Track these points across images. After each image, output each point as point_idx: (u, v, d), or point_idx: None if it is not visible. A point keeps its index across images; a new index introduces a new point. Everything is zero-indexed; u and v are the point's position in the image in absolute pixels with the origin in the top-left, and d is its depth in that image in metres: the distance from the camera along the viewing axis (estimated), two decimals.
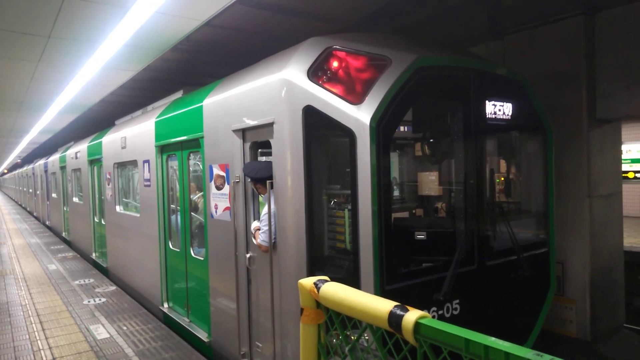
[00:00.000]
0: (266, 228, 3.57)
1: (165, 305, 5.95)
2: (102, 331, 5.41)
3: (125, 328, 5.48)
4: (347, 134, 3.13)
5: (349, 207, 3.25)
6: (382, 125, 3.09)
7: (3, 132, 14.20)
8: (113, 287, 7.52)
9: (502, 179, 4.83)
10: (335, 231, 3.51)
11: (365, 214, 3.06)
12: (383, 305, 1.43)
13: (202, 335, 4.89)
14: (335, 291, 1.66)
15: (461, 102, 3.80)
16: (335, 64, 3.36)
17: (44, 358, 4.64)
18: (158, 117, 5.97)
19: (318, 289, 1.71)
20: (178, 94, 6.10)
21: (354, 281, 3.11)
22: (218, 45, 6.86)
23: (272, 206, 3.54)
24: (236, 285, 4.10)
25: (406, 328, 1.33)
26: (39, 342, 5.12)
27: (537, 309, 4.39)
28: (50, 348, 4.91)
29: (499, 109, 3.96)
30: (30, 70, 6.04)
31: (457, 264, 3.51)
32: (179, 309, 5.65)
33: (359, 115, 3.08)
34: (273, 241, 3.56)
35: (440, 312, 3.46)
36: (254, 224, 3.86)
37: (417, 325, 1.32)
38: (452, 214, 4.35)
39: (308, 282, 1.77)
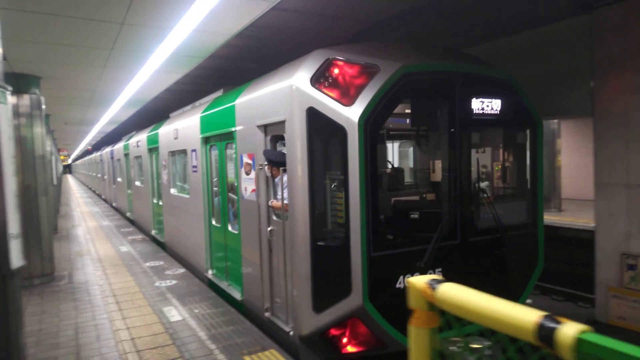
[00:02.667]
0: (285, 195, 4.54)
1: (210, 272, 7.12)
2: (174, 313, 5.54)
3: (196, 311, 5.58)
4: (340, 130, 3.87)
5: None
6: (369, 123, 3.78)
7: (75, 120, 15.00)
8: (182, 270, 7.73)
9: (499, 166, 5.50)
10: (335, 208, 4.15)
11: (355, 194, 3.80)
12: (527, 315, 1.22)
13: (237, 295, 5.92)
14: (458, 294, 1.46)
15: (447, 102, 4.35)
16: (333, 72, 4.08)
17: (123, 338, 4.80)
18: (202, 112, 6.97)
19: (433, 289, 1.52)
20: (219, 93, 7.03)
21: (346, 249, 3.88)
22: (282, 30, 6.76)
23: (285, 183, 4.51)
24: (260, 254, 5.10)
25: (563, 344, 1.11)
26: (117, 321, 5.32)
27: (523, 282, 4.92)
28: (128, 328, 5.08)
29: (486, 106, 4.49)
30: (103, 59, 6.20)
31: (438, 238, 4.14)
32: (220, 275, 6.76)
33: (349, 115, 3.81)
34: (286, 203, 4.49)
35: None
36: (271, 201, 4.98)
37: (579, 341, 1.10)
38: (439, 196, 5.02)
39: (419, 281, 1.58)
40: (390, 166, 6.50)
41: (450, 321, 1.53)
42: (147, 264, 8.28)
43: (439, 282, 1.55)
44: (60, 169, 29.72)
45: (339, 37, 7.09)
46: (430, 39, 7.05)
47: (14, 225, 2.10)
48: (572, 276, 9.78)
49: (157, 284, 6.93)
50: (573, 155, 15.52)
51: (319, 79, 4.10)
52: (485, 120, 4.58)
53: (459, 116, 4.37)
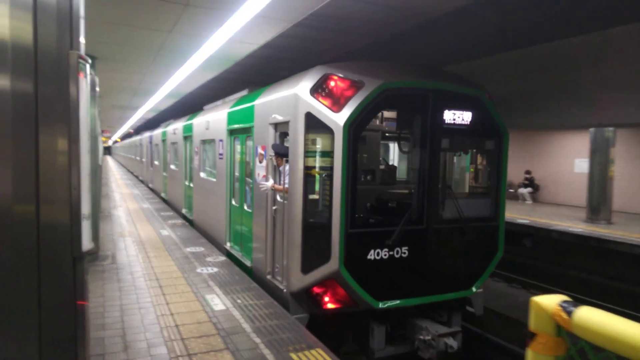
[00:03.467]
0: (286, 180, 5.55)
1: (228, 244, 8.33)
2: (217, 302, 5.47)
3: (239, 301, 5.50)
4: (329, 131, 4.88)
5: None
6: (352, 127, 4.77)
7: (122, 104, 15.35)
8: (223, 258, 7.70)
9: (473, 169, 6.57)
10: (324, 193, 5.17)
11: (337, 182, 4.82)
12: None
13: (247, 262, 7.08)
14: (604, 320, 1.23)
15: (420, 112, 5.28)
16: (329, 84, 5.00)
17: (168, 324, 4.76)
18: (230, 108, 8.06)
19: (568, 313, 1.30)
20: (244, 92, 8.03)
21: (328, 225, 4.91)
22: (340, 19, 6.57)
23: (287, 171, 5.52)
24: (265, 228, 6.21)
25: None
26: (161, 306, 5.30)
27: (483, 266, 5.85)
28: (172, 314, 5.04)
29: (457, 117, 5.37)
30: (160, 42, 6.18)
31: (404, 222, 5.16)
32: (236, 246, 7.99)
33: (337, 119, 4.80)
34: (286, 187, 5.54)
35: (392, 252, 5.17)
36: (270, 182, 6.11)
37: None
38: (410, 190, 6.05)
39: (548, 303, 1.37)
40: (383, 163, 7.70)
41: (585, 350, 1.31)
42: (188, 249, 8.30)
43: (574, 305, 1.33)
44: (102, 150, 30.56)
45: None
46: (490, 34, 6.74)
47: (86, 205, 2.00)
48: (622, 293, 9.25)
49: (198, 270, 6.91)
50: (627, 166, 14.71)
51: (317, 90, 5.11)
52: (456, 129, 5.46)
53: (430, 125, 5.30)
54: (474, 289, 5.79)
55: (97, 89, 7.45)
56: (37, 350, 1.90)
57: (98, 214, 7.49)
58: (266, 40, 5.83)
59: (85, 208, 2.02)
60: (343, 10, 5.97)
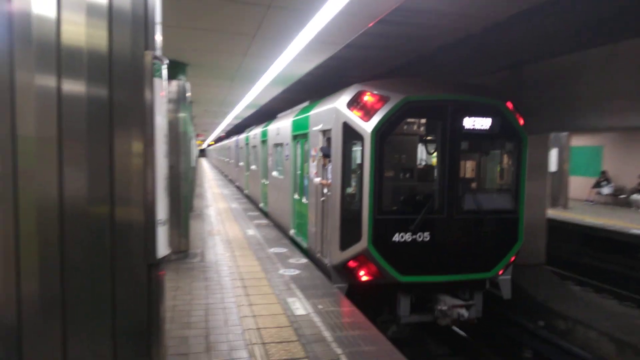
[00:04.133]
0: (329, 176, 6.83)
1: (292, 231, 9.67)
2: (298, 306, 5.38)
3: (320, 307, 5.36)
4: (360, 137, 6.02)
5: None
6: (379, 133, 5.86)
7: (213, 108, 16.08)
8: (304, 260, 7.66)
9: (499, 169, 7.42)
10: (357, 187, 6.35)
11: (366, 177, 5.92)
12: None
13: (304, 244, 8.42)
14: None
15: (440, 120, 6.20)
16: (362, 99, 6.11)
17: (250, 326, 4.75)
18: (294, 117, 9.59)
19: None
20: (306, 103, 9.58)
21: (360, 212, 6.04)
22: (427, 14, 6.20)
23: (330, 168, 6.76)
24: (313, 215, 7.57)
25: None
26: (244, 307, 5.33)
27: (503, 252, 6.55)
28: (254, 316, 5.04)
29: (477, 123, 6.20)
30: (245, 46, 6.26)
31: (425, 212, 6.12)
32: (297, 232, 9.29)
33: (366, 127, 5.91)
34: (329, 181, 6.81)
35: (414, 237, 6.09)
36: (319, 178, 7.32)
37: None
38: (433, 187, 6.62)
39: None
40: (421, 163, 8.44)
41: None
42: (272, 250, 8.38)
43: None
44: (196, 153, 32.57)
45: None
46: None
47: (162, 210, 1.93)
48: None
49: (281, 271, 6.91)
50: None
51: (352, 103, 6.25)
52: (476, 134, 6.35)
53: (449, 130, 6.19)
54: (492, 272, 6.55)
55: (189, 94, 7.79)
56: (112, 353, 1.87)
57: (188, 214, 7.82)
58: (347, 41, 5.64)
59: (161, 213, 1.96)
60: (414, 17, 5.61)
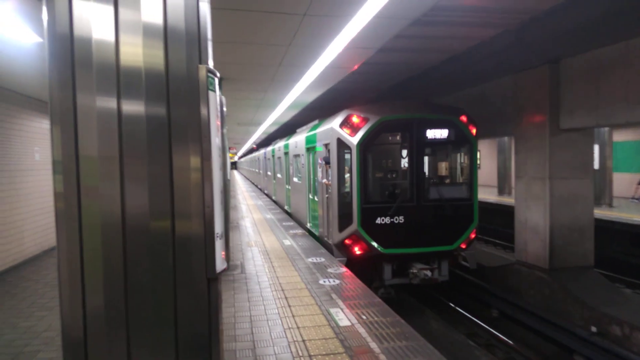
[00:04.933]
0: (330, 178, 9.04)
1: (308, 224, 11.99)
2: (342, 317, 5.32)
3: (364, 317, 5.28)
4: (349, 148, 8.30)
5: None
6: (362, 145, 8.16)
7: (245, 122, 16.34)
8: (343, 270, 7.60)
9: (457, 167, 9.38)
10: (349, 185, 8.52)
11: (354, 177, 8.13)
12: None
13: (316, 232, 10.70)
14: None
15: (408, 132, 8.50)
16: (350, 120, 8.30)
17: (295, 338, 4.72)
18: (307, 133, 11.78)
19: None
20: (316, 122, 11.72)
21: (351, 203, 8.30)
22: (461, 12, 6.10)
23: (330, 172, 8.98)
24: (322, 209, 9.77)
25: None
26: (287, 319, 5.31)
27: (460, 230, 8.63)
28: (298, 328, 5.01)
29: (436, 134, 8.47)
30: (280, 57, 6.32)
31: (399, 201, 8.45)
32: (312, 224, 11.58)
33: (353, 141, 8.21)
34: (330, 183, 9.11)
35: (392, 220, 8.27)
36: (323, 180, 9.60)
37: None
38: (405, 182, 8.85)
39: None
40: (393, 165, 10.15)
41: None
42: (310, 260, 8.36)
43: None
44: (230, 165, 33.11)
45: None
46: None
47: (219, 224, 1.94)
48: None
49: (321, 281, 6.87)
50: None
51: (343, 124, 8.45)
52: (436, 142, 8.62)
53: (415, 140, 8.41)
54: (455, 245, 8.66)
55: (224, 108, 7.91)
56: None
57: (228, 225, 7.90)
58: (383, 43, 5.60)
59: (218, 226, 1.97)
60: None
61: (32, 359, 4.50)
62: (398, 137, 9.17)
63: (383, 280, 8.60)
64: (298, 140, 13.11)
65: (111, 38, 1.79)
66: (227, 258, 7.81)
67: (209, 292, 1.92)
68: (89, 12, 1.77)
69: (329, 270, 7.61)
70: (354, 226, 8.37)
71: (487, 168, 27.41)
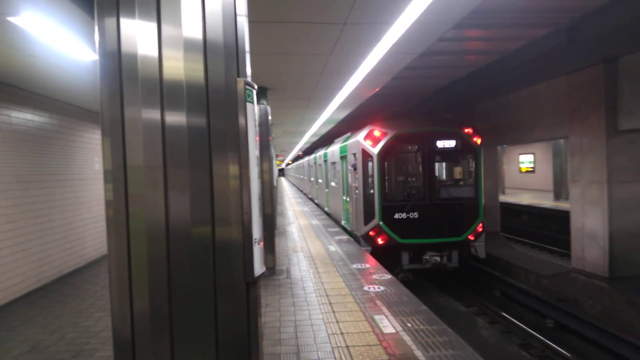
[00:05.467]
0: (357, 182, 11.30)
1: (343, 221, 14.06)
2: (386, 324, 5.27)
3: (409, 325, 5.20)
4: (371, 156, 10.46)
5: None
6: (381, 154, 10.30)
7: (291, 129, 16.57)
8: (388, 276, 7.52)
9: (464, 171, 11.25)
10: (371, 186, 10.57)
11: (375, 180, 10.31)
12: None
13: (348, 227, 13.01)
14: None
15: (420, 143, 10.40)
16: (372, 134, 10.40)
17: (339, 344, 4.73)
18: (340, 144, 14.08)
19: None
20: (348, 134, 13.93)
21: (373, 201, 10.40)
22: (507, 13, 5.92)
23: (357, 177, 11.23)
24: (352, 207, 11.98)
25: None
26: (331, 324, 5.33)
27: (468, 224, 10.35)
28: (342, 334, 5.01)
29: (445, 143, 10.36)
30: (322, 65, 6.39)
31: (414, 200, 10.25)
32: (345, 221, 13.64)
33: (374, 151, 10.36)
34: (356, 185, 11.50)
35: (408, 215, 10.10)
36: (353, 183, 11.88)
37: None
38: (419, 184, 10.68)
39: None
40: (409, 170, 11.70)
41: None
42: (354, 266, 8.34)
43: None
44: (277, 172, 33.79)
45: None
46: None
47: (257, 229, 2.00)
48: None
49: (365, 288, 6.84)
50: None
51: (366, 137, 10.47)
52: (444, 150, 10.42)
53: (426, 149, 10.31)
54: (463, 237, 10.38)
55: (270, 117, 8.09)
56: None
57: (273, 231, 8.04)
58: (425, 48, 5.53)
59: (257, 232, 2.02)
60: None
61: (91, 357, 4.78)
62: (411, 147, 10.82)
63: (402, 265, 10.36)
64: (334, 149, 15.47)
65: (155, 53, 1.89)
66: (274, 263, 7.95)
67: (248, 296, 1.98)
68: (135, 30, 1.89)
69: (374, 276, 7.56)
70: (376, 220, 10.40)
71: (543, 172, 26.24)
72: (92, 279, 8.35)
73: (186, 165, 1.88)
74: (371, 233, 10.48)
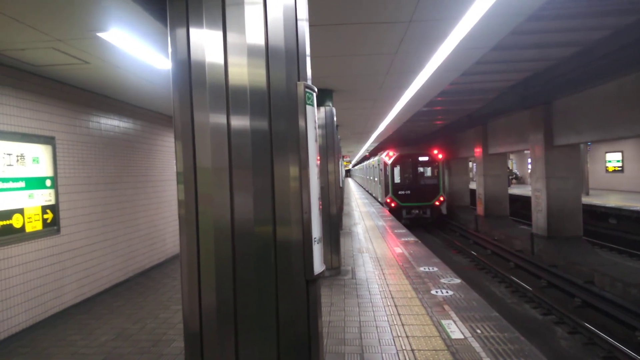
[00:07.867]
0: (382, 179, 27.43)
1: (379, 197, 29.05)
2: (454, 329, 5.11)
3: (479, 331, 5.01)
4: (387, 164, 25.96)
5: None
6: (393, 164, 25.33)
7: (357, 130, 16.57)
8: (458, 280, 7.28)
9: (432, 174, 25.93)
10: (388, 183, 25.36)
11: (389, 175, 25.37)
12: None
13: (379, 199, 29.89)
14: None
15: (410, 159, 25.33)
16: (387, 154, 25.51)
17: (404, 347, 4.66)
18: (377, 157, 30.48)
19: None
20: (382, 152, 27.33)
21: (388, 189, 25.11)
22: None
23: (382, 177, 27.76)
24: (380, 189, 28.62)
25: None
26: (396, 327, 5.26)
27: (433, 196, 23.98)
28: (407, 337, 4.94)
29: (423, 159, 25.08)
30: (386, 65, 6.33)
31: (407, 185, 25.00)
32: (379, 197, 28.81)
33: (389, 161, 25.57)
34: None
35: (405, 192, 24.94)
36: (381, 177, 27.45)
37: None
38: (410, 177, 25.48)
39: None
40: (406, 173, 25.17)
41: None
42: (421, 269, 8.17)
43: None
44: (343, 173, 34.53)
45: None
46: None
47: (317, 229, 2.04)
48: None
49: (433, 291, 6.68)
50: None
51: (385, 155, 25.16)
52: (422, 162, 24.58)
53: (412, 162, 24.65)
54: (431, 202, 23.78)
55: (335, 118, 8.15)
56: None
57: (338, 232, 8.10)
58: (497, 42, 5.29)
59: (316, 232, 2.07)
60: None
61: (168, 346, 5.11)
62: (407, 160, 24.20)
63: (403, 217, 22.85)
64: (376, 159, 29.80)
65: (221, 60, 2.00)
66: (339, 263, 8.00)
67: (308, 294, 2.02)
68: (203, 39, 2.01)
69: (442, 280, 7.35)
70: (390, 194, 23.83)
71: (634, 171, 23.94)
72: (171, 272, 8.90)
73: (249, 167, 1.96)
74: (387, 200, 23.88)
